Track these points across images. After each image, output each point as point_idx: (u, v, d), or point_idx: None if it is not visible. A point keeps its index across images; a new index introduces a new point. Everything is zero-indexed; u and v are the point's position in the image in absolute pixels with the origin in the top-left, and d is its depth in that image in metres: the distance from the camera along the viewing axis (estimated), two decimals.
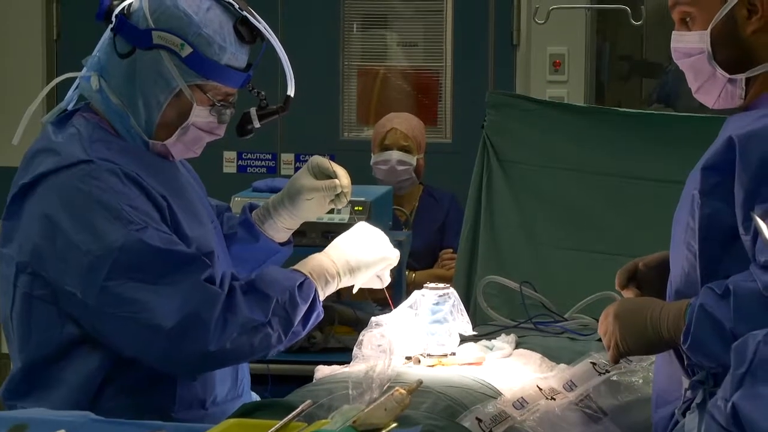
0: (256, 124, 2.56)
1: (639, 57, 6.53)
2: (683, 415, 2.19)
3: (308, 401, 2.01)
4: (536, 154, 3.97)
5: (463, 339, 2.73)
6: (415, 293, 2.74)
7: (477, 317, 3.26)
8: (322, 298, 2.48)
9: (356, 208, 2.73)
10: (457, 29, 6.23)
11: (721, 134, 2.19)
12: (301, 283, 2.43)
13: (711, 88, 2.26)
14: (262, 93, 2.56)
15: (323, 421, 1.90)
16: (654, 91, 6.38)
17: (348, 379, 2.01)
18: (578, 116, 4.06)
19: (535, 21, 4.71)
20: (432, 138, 6.14)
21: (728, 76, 2.22)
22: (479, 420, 2.25)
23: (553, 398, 2.44)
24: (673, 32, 2.29)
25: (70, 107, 2.50)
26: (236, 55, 2.45)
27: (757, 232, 2.04)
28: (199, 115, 2.45)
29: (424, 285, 2.76)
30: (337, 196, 2.67)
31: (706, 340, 2.07)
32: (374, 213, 3.42)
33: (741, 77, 2.22)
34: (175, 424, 2.07)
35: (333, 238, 2.78)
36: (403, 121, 4.94)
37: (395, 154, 4.82)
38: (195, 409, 2.45)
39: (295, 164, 6.46)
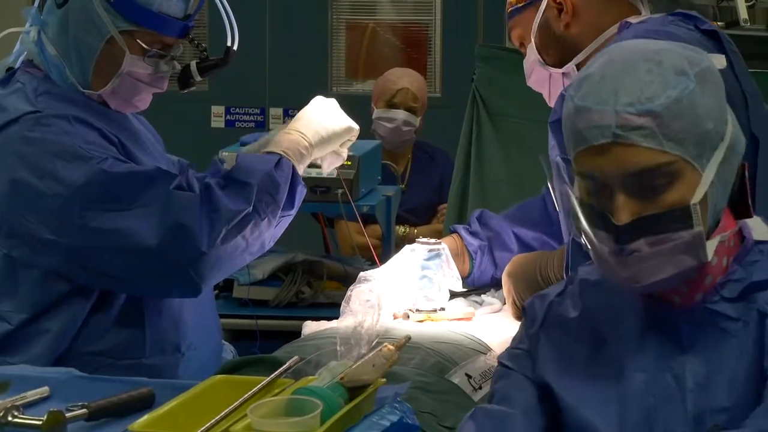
0: (197, 78, 2.56)
1: None
2: None
3: (295, 357, 1.99)
4: (526, 107, 3.94)
5: (453, 294, 2.72)
6: (406, 248, 2.73)
7: None
8: (300, 171, 2.47)
9: (345, 162, 2.71)
10: None
11: None
12: (278, 163, 2.41)
13: (555, 90, 2.38)
14: (203, 45, 2.54)
15: (311, 377, 1.88)
16: None
17: (336, 335, 1.98)
18: None
19: None
20: None
21: (560, 70, 2.37)
22: (469, 376, 2.23)
23: None
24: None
25: (18, 64, 2.48)
26: (170, 3, 2.42)
27: None
28: (134, 64, 2.43)
29: (416, 239, 2.75)
30: None
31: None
32: (363, 167, 3.39)
33: (570, 66, 2.35)
34: (161, 381, 2.06)
35: (321, 192, 2.74)
36: (414, 81, 4.85)
37: (402, 114, 4.73)
38: (169, 354, 2.45)
39: (283, 119, 6.43)
